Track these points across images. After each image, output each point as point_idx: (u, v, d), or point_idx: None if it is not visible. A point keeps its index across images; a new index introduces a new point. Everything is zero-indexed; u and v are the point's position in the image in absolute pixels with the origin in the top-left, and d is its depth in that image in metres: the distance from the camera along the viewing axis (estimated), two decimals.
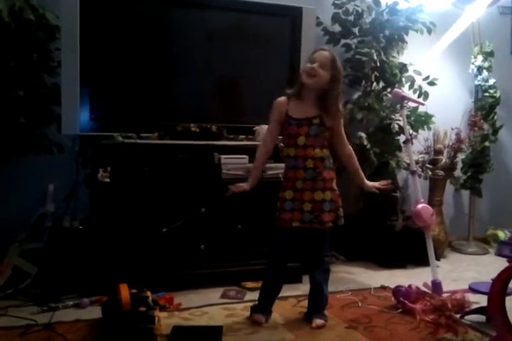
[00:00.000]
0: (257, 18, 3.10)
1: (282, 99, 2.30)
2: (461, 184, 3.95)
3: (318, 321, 2.28)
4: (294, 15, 3.12)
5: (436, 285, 2.58)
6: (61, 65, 2.68)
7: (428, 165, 3.73)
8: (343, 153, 2.37)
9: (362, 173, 2.43)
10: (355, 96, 3.62)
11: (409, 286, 2.53)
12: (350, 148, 2.40)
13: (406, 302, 2.46)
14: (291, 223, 2.24)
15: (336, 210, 2.29)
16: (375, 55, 3.32)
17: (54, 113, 2.84)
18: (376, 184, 2.45)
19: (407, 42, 3.54)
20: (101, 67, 2.80)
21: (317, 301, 2.35)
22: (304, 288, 2.75)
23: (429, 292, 2.57)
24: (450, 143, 3.79)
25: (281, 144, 2.48)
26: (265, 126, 2.69)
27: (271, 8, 3.11)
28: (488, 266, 3.40)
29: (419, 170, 3.65)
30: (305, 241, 2.33)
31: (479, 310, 2.37)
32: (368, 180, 3.48)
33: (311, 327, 2.25)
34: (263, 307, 2.35)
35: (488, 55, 3.91)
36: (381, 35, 3.45)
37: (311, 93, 2.25)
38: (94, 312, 2.29)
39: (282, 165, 2.40)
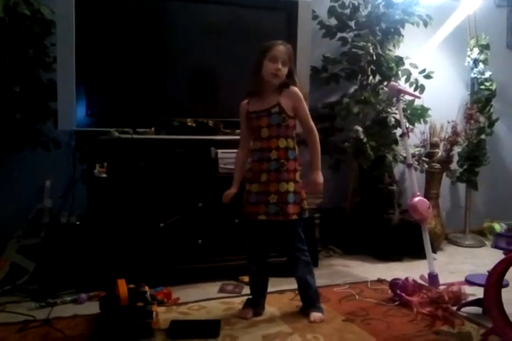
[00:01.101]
0: (252, 12, 3.09)
1: (244, 102, 2.33)
2: (458, 177, 3.96)
3: (316, 314, 2.28)
4: (290, 8, 3.11)
5: (432, 278, 2.59)
6: (57, 60, 2.66)
7: (424, 159, 3.74)
8: (307, 140, 2.31)
9: (315, 168, 2.25)
10: (352, 89, 3.62)
11: (406, 279, 2.54)
12: (315, 131, 2.28)
13: (403, 294, 2.47)
14: (258, 216, 2.24)
15: (300, 202, 2.25)
16: (371, 48, 3.32)
17: (50, 109, 2.83)
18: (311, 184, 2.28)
19: (403, 36, 3.54)
20: (97, 63, 2.78)
21: (308, 296, 2.35)
22: None
23: (426, 284, 2.58)
24: (446, 136, 3.80)
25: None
26: None
27: (267, 1, 3.10)
28: (484, 259, 3.42)
29: (416, 163, 3.66)
30: (278, 236, 2.32)
31: (476, 302, 2.38)
32: (366, 173, 3.52)
33: (310, 321, 2.25)
34: (255, 302, 2.36)
35: (484, 47, 3.91)
36: (377, 28, 3.44)
37: (270, 87, 2.25)
38: (92, 308, 2.29)
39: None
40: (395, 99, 2.99)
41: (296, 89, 2.25)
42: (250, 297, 2.39)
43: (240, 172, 2.36)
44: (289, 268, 2.36)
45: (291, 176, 2.23)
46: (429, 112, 3.56)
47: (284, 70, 2.22)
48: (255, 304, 2.35)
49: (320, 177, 2.24)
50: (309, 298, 2.35)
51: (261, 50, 2.25)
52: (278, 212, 2.21)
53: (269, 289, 2.43)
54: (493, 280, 2.07)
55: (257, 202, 2.24)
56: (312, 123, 2.28)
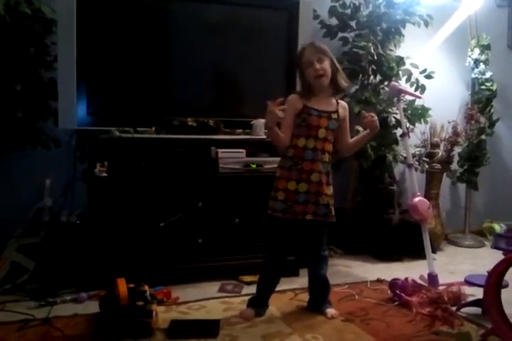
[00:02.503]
0: (254, 11, 3.09)
1: (295, 95, 2.28)
2: (458, 177, 3.96)
3: (332, 310, 2.33)
4: (291, 8, 3.10)
5: (432, 278, 2.59)
6: (58, 59, 2.66)
7: (425, 159, 3.74)
8: (345, 146, 2.39)
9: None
10: (353, 89, 3.61)
11: (406, 279, 2.54)
12: None
13: (402, 295, 2.47)
14: (305, 216, 2.23)
15: (333, 205, 2.31)
16: (372, 48, 3.32)
17: (51, 107, 2.84)
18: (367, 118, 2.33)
19: (404, 36, 3.53)
20: (98, 62, 2.78)
21: (325, 293, 2.39)
22: (301, 281, 2.76)
23: (426, 285, 2.58)
24: (447, 137, 3.80)
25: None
26: (262, 120, 2.69)
27: (268, 1, 3.09)
28: (484, 259, 3.42)
29: (416, 163, 3.66)
30: (306, 235, 2.34)
31: (475, 303, 2.39)
32: (366, 173, 3.52)
33: (328, 318, 2.29)
34: (260, 301, 2.37)
35: (485, 48, 3.90)
36: (378, 28, 3.44)
37: (323, 88, 2.25)
38: (92, 307, 2.30)
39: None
40: (395, 99, 2.99)
41: (345, 104, 2.34)
42: (255, 296, 2.39)
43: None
44: (299, 267, 2.43)
45: (330, 180, 2.30)
46: (430, 112, 3.55)
47: (326, 66, 2.20)
48: (260, 304, 2.36)
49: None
50: (325, 295, 2.39)
51: (297, 56, 2.28)
52: (327, 214, 2.25)
53: None
54: (493, 281, 2.07)
55: (306, 202, 2.23)
56: None
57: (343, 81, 2.28)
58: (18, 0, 2.64)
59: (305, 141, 2.23)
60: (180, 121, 2.86)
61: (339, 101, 2.33)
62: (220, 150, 2.81)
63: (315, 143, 2.23)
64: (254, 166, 2.85)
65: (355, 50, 3.36)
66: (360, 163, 3.44)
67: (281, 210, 2.23)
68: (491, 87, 3.91)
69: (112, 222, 2.62)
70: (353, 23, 3.49)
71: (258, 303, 2.36)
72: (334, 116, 2.26)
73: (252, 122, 2.98)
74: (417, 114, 3.54)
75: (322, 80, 2.21)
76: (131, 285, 2.17)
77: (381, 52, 3.38)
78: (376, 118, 2.31)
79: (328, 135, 2.25)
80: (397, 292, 2.51)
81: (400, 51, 3.56)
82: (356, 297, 2.60)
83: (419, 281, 2.61)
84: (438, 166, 3.73)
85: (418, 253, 3.11)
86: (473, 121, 3.90)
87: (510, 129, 4.34)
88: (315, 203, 2.23)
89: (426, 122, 3.62)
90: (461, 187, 4.16)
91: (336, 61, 2.28)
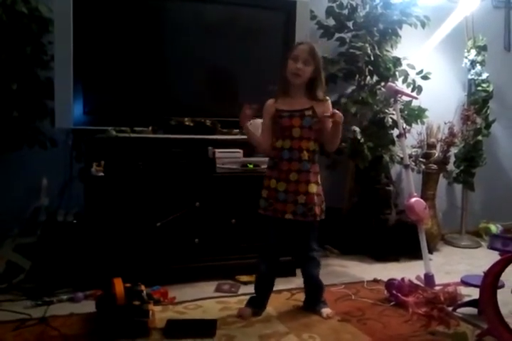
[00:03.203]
0: (250, 12, 3.09)
1: (270, 101, 2.33)
2: (454, 178, 3.96)
3: (327, 310, 2.34)
4: (288, 8, 3.10)
5: (428, 278, 2.60)
6: (54, 58, 2.66)
7: (421, 159, 3.75)
8: (325, 141, 2.35)
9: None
10: (349, 90, 3.62)
11: (402, 279, 2.55)
12: None
13: (399, 295, 2.47)
14: (284, 215, 2.24)
15: (321, 204, 2.30)
16: (369, 49, 3.32)
17: (47, 107, 2.83)
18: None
19: (400, 36, 3.54)
20: (94, 61, 2.78)
21: (318, 294, 2.40)
22: (297, 281, 2.76)
23: (422, 285, 2.58)
24: (443, 137, 3.80)
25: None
26: (259, 120, 2.69)
27: (265, 1, 3.09)
28: (480, 259, 3.43)
29: (413, 164, 3.67)
30: (294, 235, 2.34)
31: (471, 303, 2.39)
32: (363, 173, 3.53)
33: (324, 318, 2.30)
34: (258, 301, 2.37)
35: (481, 49, 3.91)
36: (375, 29, 3.44)
37: (299, 88, 2.27)
38: (89, 306, 2.29)
39: None
40: (392, 100, 2.99)
41: (328, 101, 2.31)
42: (254, 296, 2.40)
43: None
44: (295, 267, 2.38)
45: (316, 178, 2.29)
46: (426, 113, 3.56)
47: (307, 69, 2.21)
48: (258, 305, 2.36)
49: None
50: (319, 295, 2.39)
51: (290, 48, 2.30)
52: (306, 213, 2.23)
53: None
54: (489, 281, 2.07)
55: (285, 201, 2.24)
56: None
57: (320, 92, 2.27)
58: None
59: (282, 142, 2.27)
60: (177, 121, 2.86)
61: (326, 98, 2.31)
62: (217, 150, 2.81)
63: (291, 143, 2.25)
64: (251, 166, 2.86)
65: (352, 50, 3.37)
66: (356, 164, 3.44)
67: (264, 207, 2.30)
68: (488, 88, 3.91)
69: (108, 222, 2.61)
70: (350, 24, 3.49)
71: (256, 303, 2.37)
72: (308, 112, 2.25)
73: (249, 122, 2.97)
74: (414, 115, 3.54)
75: (295, 78, 2.23)
76: (128, 285, 2.17)
77: (378, 52, 3.39)
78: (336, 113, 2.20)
79: (304, 133, 2.24)
80: (394, 292, 2.51)
81: (396, 52, 3.57)
82: (353, 297, 2.60)
83: (416, 281, 2.61)
84: (434, 167, 3.74)
85: (414, 254, 3.12)
86: (469, 122, 3.91)
87: (506, 130, 4.35)
88: (294, 202, 2.24)
89: (422, 123, 3.63)
90: (458, 187, 4.17)
91: (322, 72, 2.28)
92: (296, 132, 2.24)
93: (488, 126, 3.92)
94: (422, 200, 2.70)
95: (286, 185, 2.24)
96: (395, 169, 3.85)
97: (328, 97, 2.33)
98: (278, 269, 2.42)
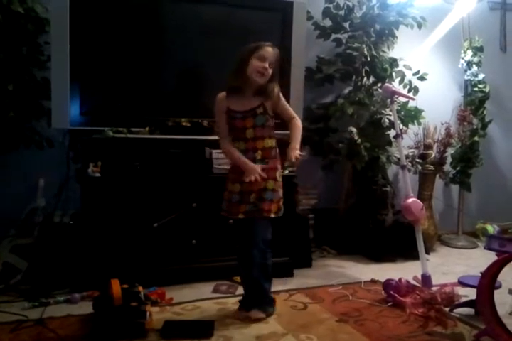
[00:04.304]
0: (247, 13, 3.08)
1: (221, 95, 2.31)
2: (451, 178, 3.97)
3: (257, 314, 2.27)
4: (285, 9, 3.10)
5: (425, 279, 2.60)
6: (51, 58, 2.65)
7: (418, 160, 3.76)
8: (290, 125, 2.33)
9: (295, 141, 2.27)
10: (346, 91, 3.63)
11: (399, 280, 2.55)
12: (298, 119, 2.35)
13: (396, 295, 2.48)
14: (238, 215, 2.24)
15: (278, 201, 2.27)
16: (365, 49, 3.33)
17: (44, 107, 2.82)
18: (292, 157, 2.22)
19: (397, 37, 3.55)
20: (91, 61, 2.77)
21: (258, 296, 2.33)
22: (295, 282, 2.77)
23: (419, 285, 2.59)
24: (440, 138, 3.81)
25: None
26: None
27: (261, 2, 3.09)
28: (477, 260, 3.44)
29: (409, 164, 3.68)
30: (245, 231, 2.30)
31: (468, 304, 2.40)
32: (359, 174, 3.53)
33: (250, 319, 2.24)
34: (246, 304, 2.34)
35: (477, 50, 3.92)
36: (372, 29, 3.45)
37: (252, 86, 2.25)
38: (86, 308, 2.29)
39: None
40: (389, 101, 2.99)
41: (272, 86, 2.25)
42: (241, 298, 2.39)
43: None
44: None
45: (272, 174, 2.26)
46: (423, 114, 3.57)
47: (270, 71, 2.22)
48: (247, 306, 2.33)
49: (297, 146, 2.23)
50: (258, 299, 2.32)
51: (249, 48, 2.25)
52: (253, 209, 2.22)
53: None
54: (486, 282, 2.08)
55: (240, 202, 2.25)
56: (294, 113, 2.34)
57: (269, 93, 2.24)
58: None
59: (237, 143, 2.27)
60: (174, 122, 2.85)
61: (268, 85, 2.24)
62: (214, 150, 2.81)
63: (245, 144, 2.25)
64: None
65: (348, 51, 3.38)
66: (353, 164, 3.45)
67: (225, 209, 2.31)
68: (484, 89, 3.93)
69: (105, 223, 2.61)
70: (346, 25, 3.50)
71: (246, 306, 2.34)
72: (260, 110, 2.24)
73: None
74: (410, 116, 3.55)
75: (259, 78, 2.21)
76: (125, 286, 2.15)
77: (374, 53, 3.39)
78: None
79: (258, 132, 2.24)
80: (391, 292, 2.51)
81: (393, 53, 3.58)
82: (350, 297, 2.60)
83: (413, 282, 2.61)
84: (431, 167, 3.75)
85: (411, 254, 3.13)
86: (466, 123, 3.92)
87: (502, 131, 4.36)
88: (247, 202, 2.23)
89: (419, 124, 3.63)
90: (454, 188, 4.18)
91: (277, 76, 2.27)
92: (249, 133, 2.24)
93: (484, 126, 3.93)
94: (418, 201, 2.70)
95: (240, 187, 2.25)
96: (391, 170, 3.85)
97: (273, 86, 2.26)
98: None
